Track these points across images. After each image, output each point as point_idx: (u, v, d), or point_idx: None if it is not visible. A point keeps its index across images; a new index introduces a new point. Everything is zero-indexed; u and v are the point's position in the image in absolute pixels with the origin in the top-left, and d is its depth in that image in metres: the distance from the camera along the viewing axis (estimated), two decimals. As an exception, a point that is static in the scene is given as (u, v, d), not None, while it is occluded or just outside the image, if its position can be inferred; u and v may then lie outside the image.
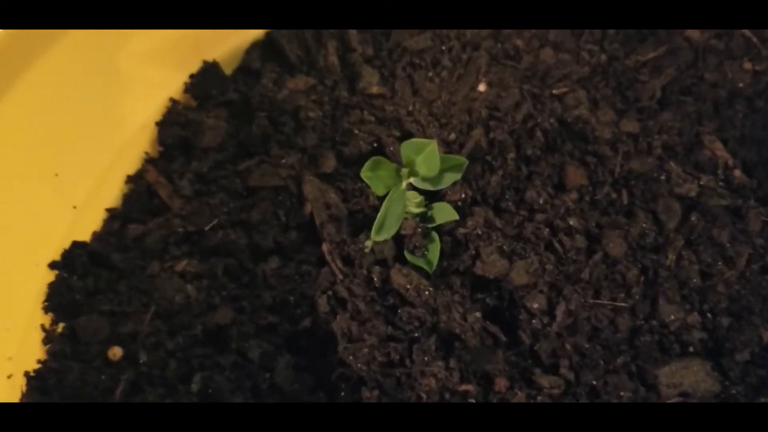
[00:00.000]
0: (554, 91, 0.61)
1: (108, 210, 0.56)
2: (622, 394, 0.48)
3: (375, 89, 0.61)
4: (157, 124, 0.59)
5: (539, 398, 0.48)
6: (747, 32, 0.63)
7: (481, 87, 0.61)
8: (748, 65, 0.62)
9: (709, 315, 0.51)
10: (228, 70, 0.62)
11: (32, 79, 0.48)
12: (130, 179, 0.57)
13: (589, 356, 0.50)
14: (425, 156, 0.50)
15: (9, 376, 0.48)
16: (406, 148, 0.51)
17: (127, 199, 0.57)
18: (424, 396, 0.47)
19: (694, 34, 0.64)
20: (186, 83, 0.60)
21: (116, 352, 0.49)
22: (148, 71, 0.57)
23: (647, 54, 0.63)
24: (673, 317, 0.50)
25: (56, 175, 0.51)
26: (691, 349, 0.50)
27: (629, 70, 0.62)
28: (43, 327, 0.50)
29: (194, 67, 0.60)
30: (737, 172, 0.57)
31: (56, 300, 0.51)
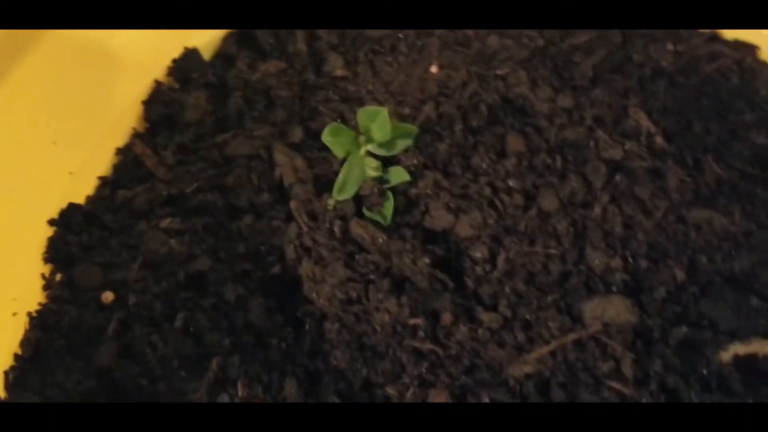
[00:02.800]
0: (498, 72, 0.67)
1: (100, 178, 0.62)
2: (550, 325, 0.53)
3: (339, 72, 0.67)
4: (144, 102, 0.65)
5: (480, 331, 0.53)
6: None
7: (433, 69, 0.68)
8: (670, 46, 0.69)
9: (630, 259, 0.56)
10: (207, 56, 0.68)
11: (35, 59, 0.54)
12: (119, 151, 0.63)
13: (524, 296, 0.54)
14: (378, 122, 0.57)
15: (14, 314, 0.54)
16: (362, 115, 0.57)
17: (117, 168, 0.63)
18: (378, 329, 0.53)
19: (623, 20, 0.71)
20: (169, 67, 0.67)
21: (108, 296, 0.55)
22: (136, 56, 0.63)
23: (580, 38, 0.69)
24: (598, 261, 0.55)
25: (54, 143, 0.57)
26: (614, 288, 0.55)
27: (564, 53, 0.69)
28: (43, 276, 0.56)
29: (176, 52, 0.67)
30: (658, 139, 0.62)
31: (55, 252, 0.57)
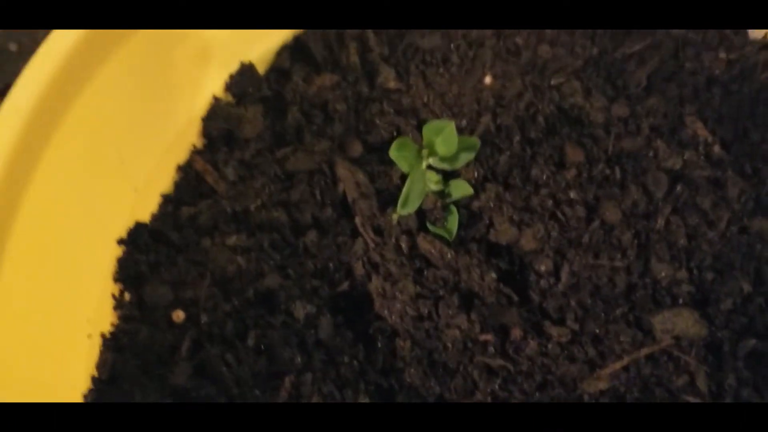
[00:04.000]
0: (552, 82, 0.66)
1: (162, 195, 0.62)
2: (622, 339, 0.53)
3: (392, 84, 0.67)
4: (203, 118, 0.65)
5: (549, 346, 0.54)
6: (721, 25, 0.70)
7: (487, 79, 0.67)
8: (722, 55, 0.68)
9: (695, 271, 0.56)
10: (262, 70, 0.68)
11: (101, 80, 0.54)
12: (180, 168, 0.63)
13: (591, 310, 0.54)
14: (444, 136, 0.57)
15: (89, 336, 0.54)
16: (427, 130, 0.57)
17: (179, 185, 0.63)
18: (450, 345, 0.53)
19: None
20: (226, 82, 0.66)
21: (179, 315, 0.55)
22: (193, 73, 0.63)
23: (633, 47, 0.68)
24: (664, 274, 0.55)
25: (122, 162, 0.57)
26: (680, 300, 0.55)
27: (618, 62, 0.68)
28: (113, 296, 0.57)
29: (233, 68, 0.67)
30: (716, 148, 0.62)
31: (124, 272, 0.57)
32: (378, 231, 0.58)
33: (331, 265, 0.57)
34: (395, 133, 0.64)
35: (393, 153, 0.56)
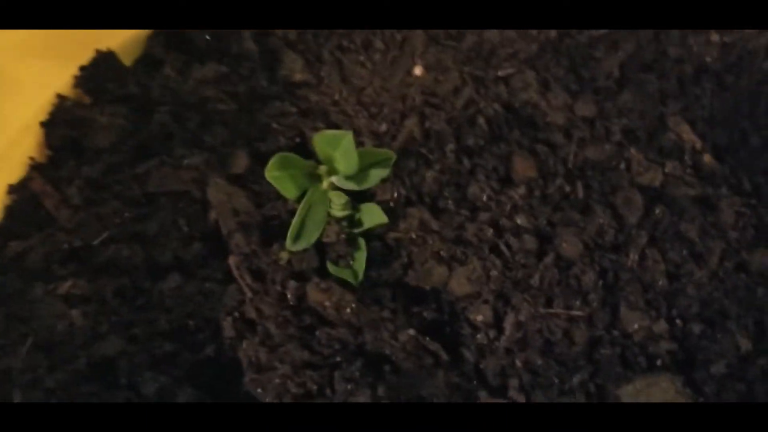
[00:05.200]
0: (499, 73, 0.59)
1: None
2: None
3: (298, 76, 0.57)
4: (43, 124, 0.53)
5: None
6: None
7: (417, 71, 0.58)
8: (715, 37, 0.61)
9: (678, 322, 0.48)
10: (128, 61, 0.56)
11: None
12: (12, 189, 0.51)
13: (541, 374, 0.46)
14: (342, 150, 0.45)
15: None
16: (320, 142, 0.46)
17: (9, 211, 0.51)
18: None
19: (654, 4, 0.60)
20: (76, 77, 0.54)
21: None
22: (30, 65, 0.51)
23: (602, 28, 0.59)
24: (636, 326, 0.47)
25: None
26: (658, 362, 0.47)
27: (583, 47, 0.60)
28: None
29: (86, 57, 0.55)
30: (707, 157, 0.55)
31: None
32: (258, 275, 0.47)
33: (192, 322, 0.46)
34: (297, 140, 0.54)
35: (272, 174, 0.44)
